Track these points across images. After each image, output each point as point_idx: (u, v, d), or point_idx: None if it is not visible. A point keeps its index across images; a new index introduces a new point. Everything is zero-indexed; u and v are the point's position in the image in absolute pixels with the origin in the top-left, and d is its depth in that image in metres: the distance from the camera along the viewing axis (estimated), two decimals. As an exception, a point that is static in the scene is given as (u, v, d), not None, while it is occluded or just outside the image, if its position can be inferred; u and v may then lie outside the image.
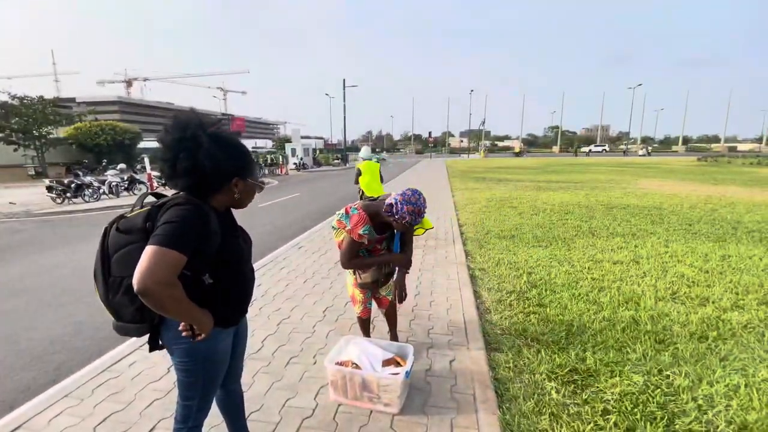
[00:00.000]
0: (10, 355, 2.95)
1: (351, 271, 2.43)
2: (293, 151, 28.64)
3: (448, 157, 53.37)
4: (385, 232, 2.30)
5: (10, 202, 11.79)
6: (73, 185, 11.81)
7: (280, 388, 2.33)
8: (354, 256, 2.26)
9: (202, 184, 1.28)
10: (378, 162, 5.78)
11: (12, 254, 6.05)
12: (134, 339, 2.94)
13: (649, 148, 53.94)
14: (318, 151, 34.97)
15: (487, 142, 73.39)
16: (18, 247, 6.52)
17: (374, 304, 2.89)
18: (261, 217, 8.81)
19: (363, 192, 5.54)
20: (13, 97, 21.63)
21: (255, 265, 4.76)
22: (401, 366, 2.16)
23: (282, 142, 37.15)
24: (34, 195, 13.69)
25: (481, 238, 5.86)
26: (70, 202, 11.71)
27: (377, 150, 46.28)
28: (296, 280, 4.28)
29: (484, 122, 58.14)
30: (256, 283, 4.15)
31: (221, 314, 1.34)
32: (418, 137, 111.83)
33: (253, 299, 3.64)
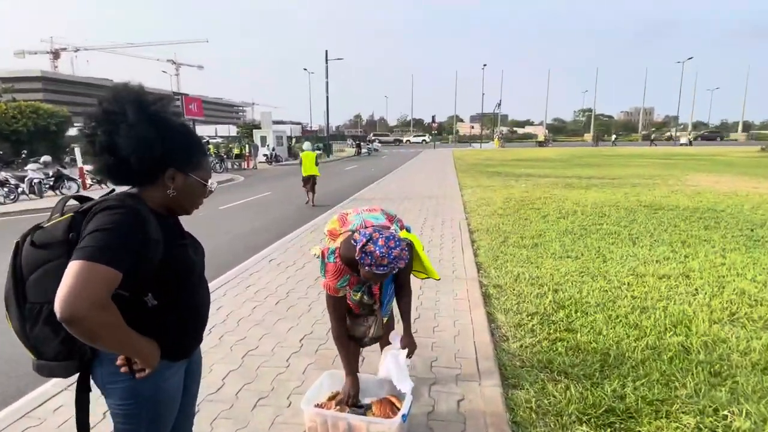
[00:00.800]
0: None
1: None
2: (263, 139, 28.59)
3: (456, 146, 53.65)
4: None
5: None
6: (-18, 183, 11.65)
7: (245, 438, 2.32)
8: (339, 317, 2.24)
9: (122, 169, 1.25)
10: (315, 152, 11.29)
11: None
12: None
13: (691, 135, 54.87)
14: (294, 140, 34.94)
15: (504, 129, 74.13)
16: None
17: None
18: (221, 222, 8.78)
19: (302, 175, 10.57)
20: None
21: (213, 283, 4.74)
22: (397, 408, 2.16)
23: (249, 129, 37.00)
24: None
25: (497, 248, 5.90)
26: (-20, 204, 11.56)
27: (368, 139, 46.46)
28: (266, 301, 4.26)
29: (499, 104, 58.87)
30: (216, 304, 4.12)
31: (169, 344, 1.33)
32: (419, 123, 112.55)
33: (209, 325, 3.62)
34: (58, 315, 1.05)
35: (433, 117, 53.05)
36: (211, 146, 25.23)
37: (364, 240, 1.91)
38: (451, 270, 5.04)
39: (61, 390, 2.76)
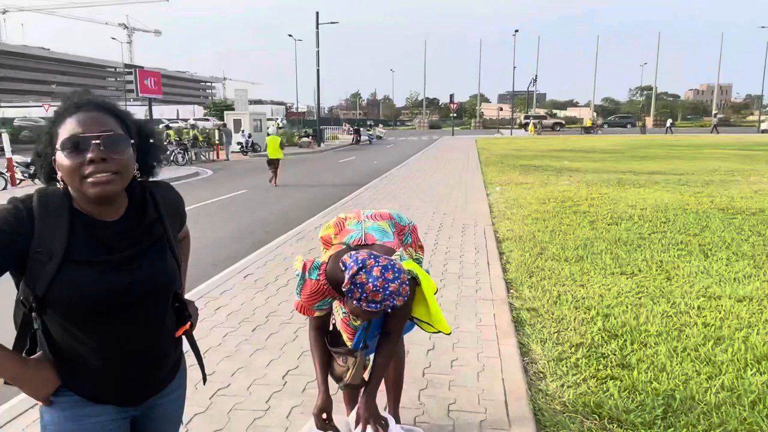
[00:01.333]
0: None
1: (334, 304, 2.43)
2: (237, 123, 28.74)
3: (481, 133, 53.74)
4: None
5: None
6: None
7: (213, 498, 2.32)
8: (315, 326, 2.29)
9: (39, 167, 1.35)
10: (279, 136, 15.02)
11: None
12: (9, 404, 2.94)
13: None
14: (276, 124, 35.08)
15: (541, 111, 74.15)
16: None
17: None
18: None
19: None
20: None
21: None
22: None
23: (219, 110, 37.22)
24: None
25: (531, 261, 5.90)
26: None
27: (370, 124, 46.79)
28: (240, 327, 4.28)
29: (535, 80, 58.83)
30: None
31: (67, 380, 1.33)
32: (433, 103, 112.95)
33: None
34: None
35: (452, 96, 53.15)
36: (171, 132, 25.34)
37: (355, 268, 1.88)
38: (474, 289, 5.04)
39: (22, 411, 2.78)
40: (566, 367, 3.47)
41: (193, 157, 22.45)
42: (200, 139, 25.48)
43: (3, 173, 14.07)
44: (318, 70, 34.86)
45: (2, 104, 28.75)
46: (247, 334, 4.13)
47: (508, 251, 6.45)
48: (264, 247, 7.08)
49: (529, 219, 8.28)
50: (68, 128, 1.26)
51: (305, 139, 33.85)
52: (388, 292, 1.86)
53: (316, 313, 2.20)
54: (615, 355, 3.62)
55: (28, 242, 1.22)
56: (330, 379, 2.33)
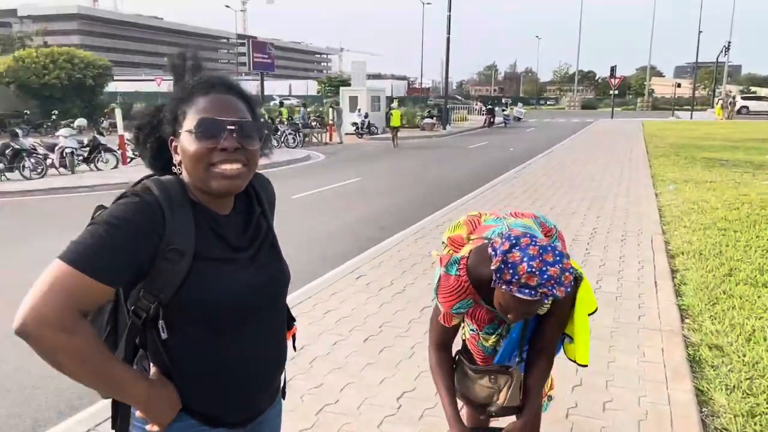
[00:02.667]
0: None
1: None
2: (353, 101, 29.68)
3: (649, 116, 50.57)
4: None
5: None
6: (8, 152, 13.75)
7: None
8: (438, 345, 2.27)
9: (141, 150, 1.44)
10: (400, 110, 27.52)
11: None
12: (89, 411, 3.34)
13: None
14: (397, 101, 35.74)
15: (733, 89, 68.03)
16: (-72, 247, 7.76)
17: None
18: (293, 217, 9.30)
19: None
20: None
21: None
22: None
23: (333, 85, 38.70)
24: (-47, 165, 16.19)
25: (716, 284, 5.51)
26: (3, 177, 13.68)
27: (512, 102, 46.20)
28: (351, 336, 4.43)
29: (727, 49, 54.00)
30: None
31: (191, 399, 1.37)
32: (588, 77, 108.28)
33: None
34: (22, 312, 1.14)
35: (613, 69, 50.50)
36: (283, 111, 26.80)
37: (507, 244, 1.87)
38: (636, 315, 4.80)
39: (86, 430, 3.15)
40: (760, 426, 3.19)
41: (302, 139, 23.46)
42: (318, 119, 26.63)
43: (114, 151, 15.78)
44: (448, 39, 34.74)
45: (118, 78, 32.24)
46: (358, 345, 4.27)
47: (683, 269, 6.04)
48: (378, 245, 7.26)
49: (713, 229, 7.68)
50: (200, 108, 1.29)
51: (428, 121, 33.71)
52: (546, 276, 1.81)
53: (454, 321, 2.18)
54: (833, 417, 3.24)
55: (161, 239, 1.25)
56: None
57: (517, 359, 2.26)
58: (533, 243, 1.86)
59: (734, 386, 3.61)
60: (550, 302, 2.08)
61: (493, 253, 1.89)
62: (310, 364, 3.94)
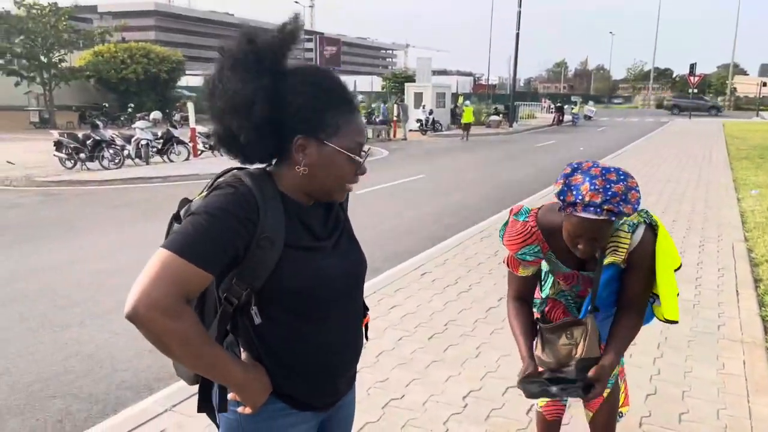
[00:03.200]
0: None
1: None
2: (418, 97, 29.66)
3: (731, 116, 48.35)
4: (586, 268, 2.20)
5: (7, 161, 15.02)
6: (89, 142, 14.50)
7: None
8: (515, 295, 2.31)
9: (231, 138, 1.36)
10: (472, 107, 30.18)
11: (5, 240, 7.74)
12: (165, 392, 3.49)
13: None
14: (462, 98, 35.45)
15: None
16: (11, 231, 8.31)
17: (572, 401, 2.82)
18: (358, 213, 9.27)
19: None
20: (19, 5, 27.20)
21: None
22: None
23: (399, 81, 38.73)
24: (38, 153, 17.18)
25: (803, 295, 5.21)
26: (84, 166, 14.44)
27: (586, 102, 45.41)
28: (415, 332, 4.46)
29: (818, 46, 50.82)
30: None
31: (280, 382, 1.44)
32: (665, 74, 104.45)
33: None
34: (132, 300, 1.20)
35: (692, 66, 48.51)
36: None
37: (569, 169, 1.96)
38: (716, 324, 4.64)
39: (164, 410, 3.30)
40: None
41: (369, 135, 23.75)
42: (385, 115, 26.85)
43: (186, 144, 16.35)
44: (517, 34, 34.27)
45: (190, 73, 33.30)
46: (423, 342, 4.29)
47: (767, 278, 5.78)
48: (443, 243, 7.27)
49: (800, 237, 7.29)
50: (352, 131, 1.40)
51: (495, 118, 33.31)
52: (610, 193, 1.85)
53: (521, 271, 2.21)
54: None
55: (255, 228, 1.31)
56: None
57: (589, 308, 2.20)
58: (595, 165, 1.92)
59: (823, 404, 3.44)
60: (626, 255, 2.08)
61: (559, 194, 1.93)
62: (377, 358, 4.00)
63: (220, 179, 1.39)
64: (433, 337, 4.39)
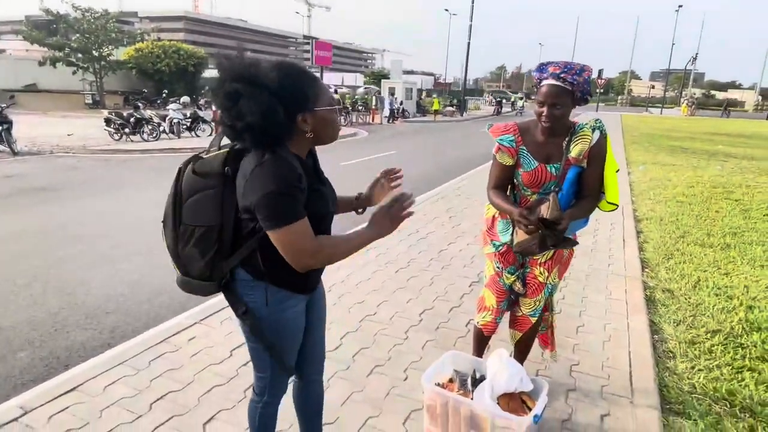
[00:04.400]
0: (65, 309, 3.76)
1: (490, 256, 2.48)
2: (391, 91, 29.22)
3: (627, 111, 48.71)
4: (550, 161, 2.21)
5: (68, 134, 14.59)
6: (132, 119, 14.08)
7: (360, 402, 2.56)
8: (494, 185, 2.35)
9: (263, 136, 1.42)
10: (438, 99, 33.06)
11: (68, 194, 7.57)
12: (195, 310, 3.50)
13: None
14: (424, 93, 35.06)
15: (696, 92, 64.88)
16: (74, 187, 8.11)
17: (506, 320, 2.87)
18: (343, 179, 9.30)
19: None
20: (76, 9, 26.13)
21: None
22: (528, 407, 2.17)
23: (377, 78, 38.11)
24: (92, 128, 16.65)
25: (671, 244, 5.39)
26: (128, 138, 14.05)
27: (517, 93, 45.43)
28: (386, 268, 4.51)
29: (695, 59, 51.34)
30: (336, 265, 4.48)
31: (294, 279, 1.57)
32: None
33: (331, 284, 3.97)
34: (298, 269, 1.49)
35: (600, 72, 48.32)
36: (337, 96, 26.66)
37: (539, 64, 2.14)
38: (607, 263, 4.75)
39: (194, 323, 3.33)
40: (699, 351, 3.18)
41: (353, 120, 23.43)
42: (363, 104, 26.44)
43: (210, 122, 16.02)
44: (468, 44, 33.80)
45: (212, 67, 32.36)
46: (391, 274, 4.35)
47: (646, 231, 5.93)
48: (409, 203, 7.26)
49: (672, 201, 7.47)
50: (325, 91, 1.53)
51: (449, 108, 33.37)
52: (567, 67, 2.04)
53: (499, 156, 2.29)
54: (756, 347, 3.22)
55: (301, 183, 1.45)
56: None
57: (553, 188, 2.24)
58: (558, 61, 2.12)
59: (680, 321, 3.59)
60: (587, 150, 2.16)
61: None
62: (356, 286, 4.05)
63: (254, 157, 1.44)
64: (398, 271, 4.45)
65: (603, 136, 2.20)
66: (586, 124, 2.20)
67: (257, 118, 1.38)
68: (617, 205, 2.27)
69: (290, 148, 1.49)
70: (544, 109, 2.12)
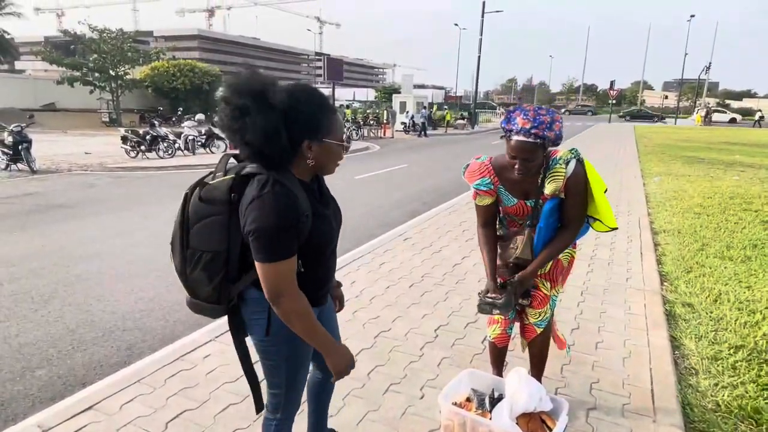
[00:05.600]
0: (82, 326, 3.79)
1: None
2: (402, 105, 29.37)
3: (640, 122, 48.34)
4: (529, 197, 2.24)
5: (85, 152, 14.87)
6: (148, 137, 14.32)
7: (376, 421, 2.53)
8: (482, 223, 2.37)
9: (264, 156, 1.45)
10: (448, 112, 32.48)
11: (85, 212, 7.68)
12: (210, 327, 3.51)
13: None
14: (435, 107, 35.14)
15: (710, 101, 64.26)
16: (91, 204, 8.24)
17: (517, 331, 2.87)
18: (356, 193, 9.39)
19: None
20: (93, 30, 26.76)
21: (347, 256, 5.20)
22: (548, 427, 2.13)
23: (388, 93, 38.37)
24: (108, 145, 16.96)
25: (690, 256, 5.29)
26: (144, 156, 14.26)
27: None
28: (400, 282, 4.49)
29: (708, 68, 50.96)
30: (350, 278, 4.51)
31: (304, 291, 1.58)
32: (590, 89, 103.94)
33: (345, 299, 3.95)
34: (268, 299, 1.47)
35: (612, 83, 48.33)
36: (348, 111, 26.84)
37: (513, 108, 2.08)
38: (625, 277, 4.68)
39: (209, 340, 3.34)
40: (722, 367, 3.10)
41: (364, 134, 23.59)
42: (375, 118, 26.61)
43: (224, 139, 16.15)
44: (479, 57, 33.91)
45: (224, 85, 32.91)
46: (405, 289, 4.33)
47: (664, 243, 5.83)
48: (420, 216, 7.27)
49: (690, 213, 7.36)
50: (338, 129, 1.56)
51: (460, 121, 33.40)
52: (537, 121, 1.98)
53: (478, 200, 2.29)
54: (782, 363, 3.13)
55: (300, 215, 1.46)
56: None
57: (529, 223, 2.30)
58: (532, 107, 2.05)
59: (702, 336, 3.51)
60: (563, 183, 2.13)
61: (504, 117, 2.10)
62: (370, 301, 4.03)
63: (257, 184, 1.44)
64: (412, 285, 4.43)
65: (580, 164, 2.16)
66: (560, 158, 2.13)
67: (259, 137, 1.40)
68: (616, 228, 2.28)
69: (294, 171, 1.52)
70: (517, 163, 2.09)
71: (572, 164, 2.14)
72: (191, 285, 1.59)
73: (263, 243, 1.41)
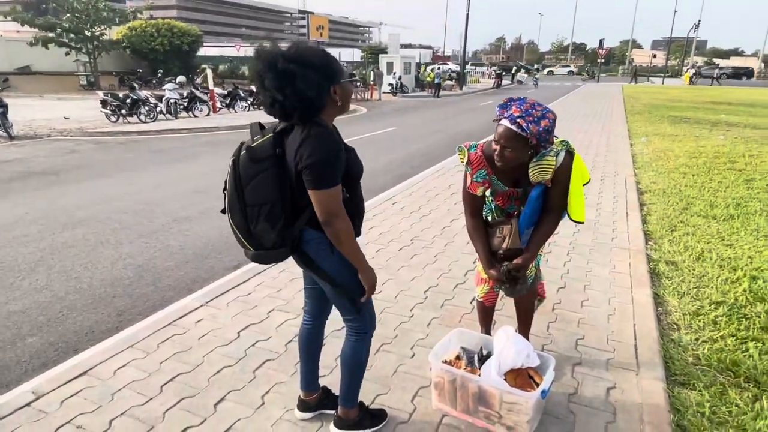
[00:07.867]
0: (71, 293, 3.77)
1: None
2: (389, 66, 28.80)
3: (628, 81, 48.10)
4: (519, 185, 2.28)
5: (64, 117, 14.45)
6: (128, 101, 13.91)
7: (368, 379, 2.57)
8: (471, 214, 2.40)
9: (311, 108, 1.71)
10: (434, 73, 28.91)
11: (67, 178, 7.54)
12: (201, 292, 3.52)
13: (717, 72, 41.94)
14: (423, 67, 34.51)
15: (698, 60, 64.01)
16: (73, 171, 8.07)
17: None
18: (344, 157, 9.27)
19: None
20: (64, -12, 25.56)
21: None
22: (536, 382, 2.20)
23: (374, 53, 37.53)
24: (87, 110, 16.50)
25: (675, 215, 5.37)
26: (125, 120, 13.92)
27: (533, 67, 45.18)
28: (389, 245, 4.52)
29: (697, 26, 50.47)
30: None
31: (355, 226, 1.85)
32: (580, 48, 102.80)
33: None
34: (322, 221, 1.72)
35: (601, 41, 47.71)
36: None
37: (507, 99, 2.12)
38: (610, 237, 4.75)
39: (200, 305, 3.35)
40: (703, 322, 3.20)
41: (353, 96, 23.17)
42: (361, 79, 26.13)
43: (207, 102, 15.86)
44: (467, 15, 33.14)
45: (206, 45, 31.87)
46: (395, 252, 4.36)
47: (649, 203, 5.90)
48: (409, 180, 7.25)
49: (676, 173, 7.43)
50: (344, 69, 1.80)
51: (448, 82, 32.84)
52: (527, 113, 2.02)
53: (477, 191, 2.32)
54: (760, 318, 3.24)
55: (342, 147, 1.75)
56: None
57: (515, 212, 2.39)
58: (526, 99, 2.09)
59: (684, 293, 3.60)
60: (552, 174, 2.17)
61: (506, 123, 2.07)
62: (360, 265, 4.06)
63: (307, 129, 1.70)
64: (402, 248, 4.46)
65: (569, 154, 2.20)
66: (551, 150, 2.13)
67: (314, 93, 1.66)
68: (582, 222, 2.33)
69: (324, 115, 1.74)
70: (497, 148, 2.10)
71: (562, 155, 2.18)
72: (257, 237, 1.79)
73: (319, 172, 1.66)
